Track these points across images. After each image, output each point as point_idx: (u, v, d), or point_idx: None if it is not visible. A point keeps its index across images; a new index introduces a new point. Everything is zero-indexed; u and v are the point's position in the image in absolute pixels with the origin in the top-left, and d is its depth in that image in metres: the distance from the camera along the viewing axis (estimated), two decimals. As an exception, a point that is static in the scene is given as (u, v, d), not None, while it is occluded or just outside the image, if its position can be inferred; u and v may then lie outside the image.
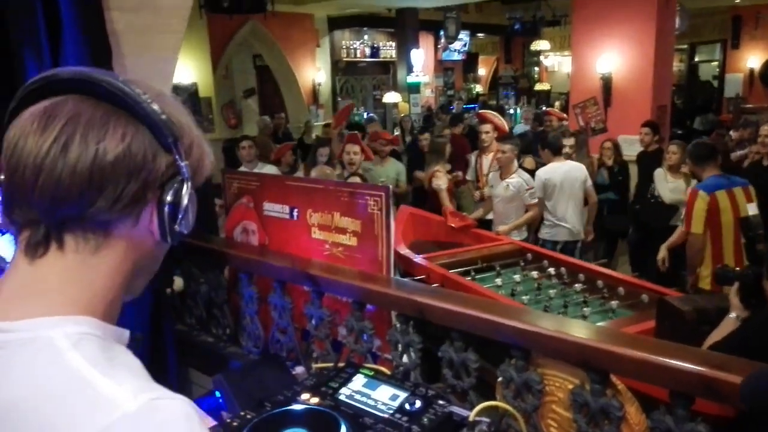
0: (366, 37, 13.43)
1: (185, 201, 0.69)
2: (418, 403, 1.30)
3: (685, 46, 13.82)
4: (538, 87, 15.16)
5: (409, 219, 4.64)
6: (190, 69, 8.23)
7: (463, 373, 1.50)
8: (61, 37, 1.80)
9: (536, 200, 4.87)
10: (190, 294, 2.38)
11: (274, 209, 2.23)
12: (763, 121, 6.00)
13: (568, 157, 5.18)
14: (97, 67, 1.84)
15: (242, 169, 5.17)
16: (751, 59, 12.84)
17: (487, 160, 5.64)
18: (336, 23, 12.24)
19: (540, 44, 13.82)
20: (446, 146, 5.88)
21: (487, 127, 5.66)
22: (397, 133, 10.14)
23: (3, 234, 1.34)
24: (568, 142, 5.27)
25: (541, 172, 5.05)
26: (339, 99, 12.77)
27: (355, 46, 13.17)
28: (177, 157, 0.68)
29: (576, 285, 3.54)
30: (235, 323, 2.25)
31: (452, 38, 12.65)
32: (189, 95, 3.42)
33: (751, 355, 1.19)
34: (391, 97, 12.04)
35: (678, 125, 10.32)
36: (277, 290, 2.02)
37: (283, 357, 1.97)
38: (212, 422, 1.37)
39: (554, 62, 16.26)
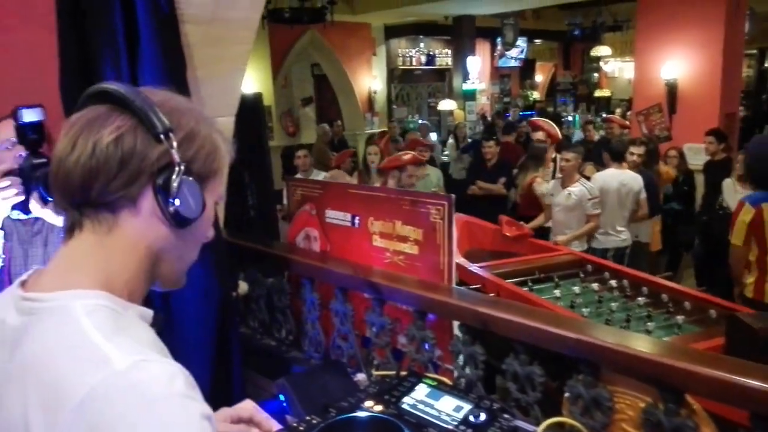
0: (422, 44, 13.45)
1: (175, 186, 0.77)
2: (482, 416, 1.29)
3: (755, 51, 13.23)
4: (597, 93, 14.81)
5: (464, 227, 4.60)
6: (251, 79, 8.46)
7: (528, 387, 1.48)
8: (139, 49, 1.88)
9: (598, 211, 4.75)
10: (253, 298, 2.44)
11: (336, 217, 2.26)
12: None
13: (636, 166, 5.03)
14: (172, 78, 1.92)
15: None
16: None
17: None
18: (393, 32, 12.33)
19: (601, 50, 13.48)
20: (546, 152, 5.77)
21: (539, 134, 5.57)
22: (451, 141, 10.11)
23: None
24: (637, 150, 5.11)
25: (599, 176, 4.93)
26: (394, 107, 12.83)
27: (410, 54, 13.22)
28: (169, 147, 0.76)
29: (639, 298, 3.43)
30: (297, 328, 2.29)
31: (510, 45, 12.52)
32: (255, 104, 3.50)
33: None
34: (446, 104, 12.00)
35: (747, 134, 9.88)
36: (339, 297, 2.04)
37: (344, 363, 1.99)
38: (277, 426, 1.40)
39: (614, 68, 15.85)
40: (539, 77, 16.67)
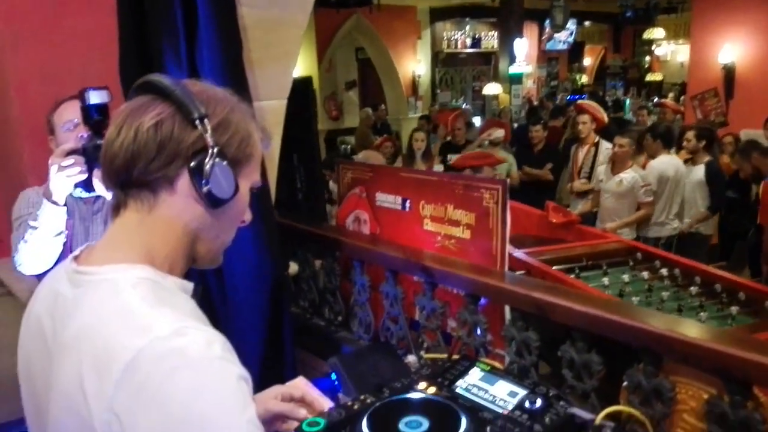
0: (467, 27, 13.25)
1: (208, 168, 0.82)
2: (539, 402, 1.28)
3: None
4: (649, 77, 14.35)
5: (509, 212, 4.54)
6: (298, 63, 8.50)
7: (585, 374, 1.46)
8: (197, 33, 1.90)
9: (651, 198, 4.63)
10: (304, 278, 2.47)
11: (387, 200, 2.26)
12: None
13: (695, 153, 4.88)
14: (228, 61, 1.94)
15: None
16: None
17: (582, 152, 5.43)
18: (438, 14, 12.18)
19: (654, 32, 13.02)
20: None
21: (584, 117, 5.41)
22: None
23: None
24: (687, 136, 4.95)
25: (656, 164, 4.79)
26: (438, 91, 12.71)
27: (456, 36, 13.04)
28: (203, 132, 0.82)
29: (691, 288, 3.32)
30: (346, 309, 2.31)
31: (559, 27, 12.21)
32: (305, 87, 3.51)
33: None
34: (491, 88, 11.80)
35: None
36: (390, 279, 2.05)
37: (393, 345, 2.00)
38: (329, 403, 1.41)
39: (667, 51, 15.30)
40: (588, 60, 16.25)
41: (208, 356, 0.73)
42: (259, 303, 2.01)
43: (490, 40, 13.32)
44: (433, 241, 2.09)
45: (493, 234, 1.88)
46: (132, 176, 0.83)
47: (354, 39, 11.40)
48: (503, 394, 1.35)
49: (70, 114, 1.91)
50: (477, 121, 10.44)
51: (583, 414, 1.30)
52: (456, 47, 13.11)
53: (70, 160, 1.64)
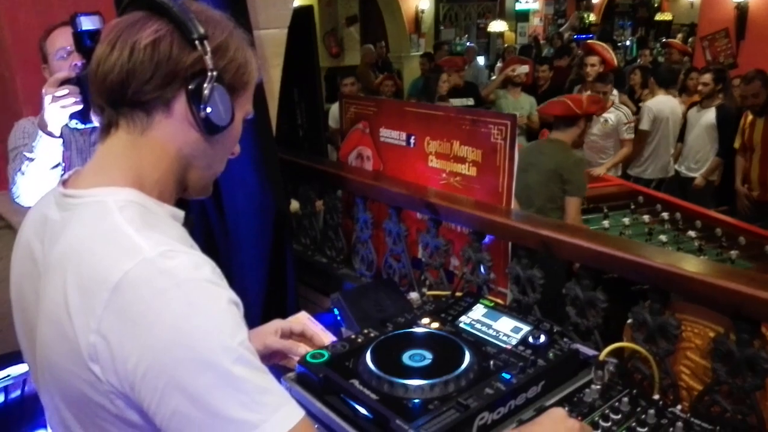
0: (473, -39, 12.80)
1: (206, 92, 0.79)
2: (542, 338, 1.28)
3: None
4: (658, 17, 13.96)
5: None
6: (295, -6, 8.20)
7: (590, 312, 1.45)
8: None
9: (632, 135, 4.58)
10: (305, 215, 2.45)
11: (391, 136, 2.21)
12: None
13: (707, 97, 4.76)
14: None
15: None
16: None
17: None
18: (443, -54, 11.73)
19: (665, -31, 12.61)
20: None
21: (593, 59, 5.21)
22: (499, 65, 9.73)
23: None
24: (704, 79, 4.81)
25: (652, 104, 4.72)
26: (442, 28, 12.37)
27: (461, -30, 12.61)
28: (203, 54, 0.79)
29: (691, 232, 3.33)
30: (348, 246, 2.30)
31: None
32: (306, 18, 3.39)
33: None
34: (497, 25, 11.50)
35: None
36: (393, 216, 2.03)
37: (396, 282, 2.00)
38: (332, 337, 1.42)
39: (677, -11, 14.85)
40: (596, -2, 15.77)
41: (196, 278, 0.72)
42: (261, 238, 1.99)
43: (497, -26, 12.89)
44: (438, 178, 2.06)
45: (500, 171, 1.84)
46: (126, 95, 0.79)
47: (355, -29, 10.99)
48: (507, 330, 1.35)
49: (62, 41, 1.83)
50: (481, 60, 10.20)
51: (587, 350, 1.30)
52: (461, -18, 12.71)
53: (64, 90, 1.58)
